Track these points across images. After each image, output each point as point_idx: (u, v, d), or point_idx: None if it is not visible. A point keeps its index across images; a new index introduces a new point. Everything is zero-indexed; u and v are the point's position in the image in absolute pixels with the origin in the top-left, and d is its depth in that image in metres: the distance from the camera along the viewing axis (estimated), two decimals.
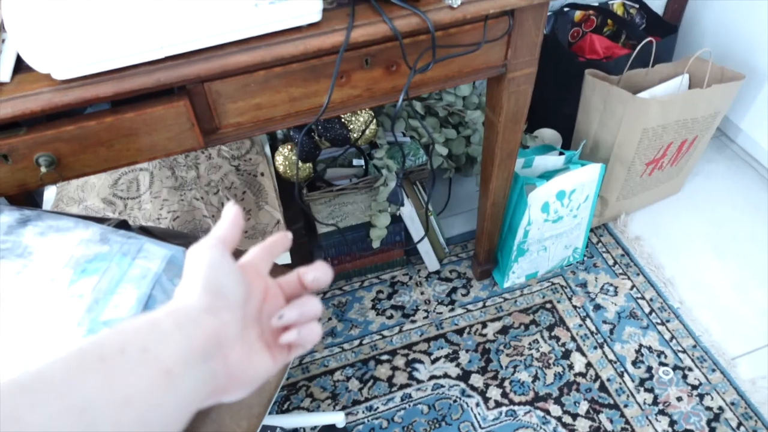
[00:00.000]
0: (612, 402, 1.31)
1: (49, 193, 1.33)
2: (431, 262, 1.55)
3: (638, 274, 1.54)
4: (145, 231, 0.91)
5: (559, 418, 1.28)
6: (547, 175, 1.35)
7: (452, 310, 1.49)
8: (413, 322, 1.47)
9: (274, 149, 1.44)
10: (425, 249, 1.52)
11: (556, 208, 1.35)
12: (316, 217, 1.43)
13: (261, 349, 0.39)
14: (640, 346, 1.40)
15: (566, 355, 1.39)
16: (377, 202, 1.41)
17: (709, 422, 1.27)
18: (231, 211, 0.41)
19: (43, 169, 0.80)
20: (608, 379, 1.34)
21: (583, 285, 1.53)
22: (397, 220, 1.43)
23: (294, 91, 0.88)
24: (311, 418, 1.30)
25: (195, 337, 0.34)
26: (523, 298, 1.51)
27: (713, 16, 1.78)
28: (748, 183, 1.76)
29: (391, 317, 1.48)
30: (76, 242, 0.72)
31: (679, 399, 1.31)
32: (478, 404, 1.31)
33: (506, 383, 1.35)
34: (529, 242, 1.41)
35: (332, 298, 1.53)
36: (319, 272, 0.42)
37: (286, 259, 1.35)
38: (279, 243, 0.44)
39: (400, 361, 1.39)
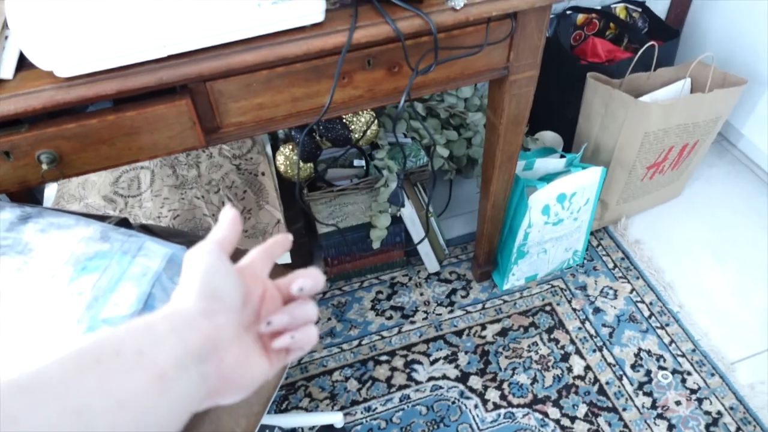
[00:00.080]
0: (611, 405, 1.31)
1: (50, 191, 1.33)
2: (431, 264, 1.56)
3: (638, 278, 1.54)
4: (146, 229, 0.91)
5: (557, 421, 1.28)
6: (548, 178, 1.35)
7: (452, 311, 1.49)
8: (412, 323, 1.47)
9: (275, 149, 1.44)
10: (425, 250, 1.52)
11: (556, 210, 1.35)
12: (316, 217, 1.43)
13: (258, 352, 0.39)
14: (640, 349, 1.40)
15: (565, 357, 1.39)
16: (378, 203, 1.41)
17: (707, 427, 1.27)
18: (229, 214, 0.41)
19: (44, 167, 0.80)
20: (607, 383, 1.34)
21: (583, 288, 1.53)
22: (397, 221, 1.43)
23: (296, 91, 0.88)
24: (310, 418, 1.30)
25: (190, 340, 0.34)
26: (522, 300, 1.51)
27: (716, 21, 1.78)
28: (749, 188, 1.76)
29: (390, 318, 1.48)
30: (77, 240, 0.72)
31: (678, 403, 1.31)
32: (476, 406, 1.31)
33: (505, 385, 1.35)
34: (529, 245, 1.41)
35: (332, 298, 1.54)
36: (308, 281, 0.41)
37: (286, 259, 1.35)
38: (279, 244, 0.44)
39: (399, 362, 1.39)
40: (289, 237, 0.44)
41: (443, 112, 1.54)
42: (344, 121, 1.39)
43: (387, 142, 1.46)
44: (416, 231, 1.46)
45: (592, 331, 1.44)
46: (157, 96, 0.80)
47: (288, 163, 1.40)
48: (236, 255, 0.39)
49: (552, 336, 1.43)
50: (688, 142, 1.49)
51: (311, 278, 0.41)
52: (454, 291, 1.54)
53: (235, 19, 0.75)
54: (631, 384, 1.34)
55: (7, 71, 0.75)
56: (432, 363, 1.39)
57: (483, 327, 1.46)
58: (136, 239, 0.75)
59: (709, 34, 1.81)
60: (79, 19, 0.69)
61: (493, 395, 1.33)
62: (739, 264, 1.56)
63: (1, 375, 0.27)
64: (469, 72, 0.97)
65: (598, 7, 1.71)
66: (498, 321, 1.47)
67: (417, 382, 1.36)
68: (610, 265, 1.58)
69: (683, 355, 1.38)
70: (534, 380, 1.35)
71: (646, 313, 1.47)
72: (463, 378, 1.36)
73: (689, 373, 1.35)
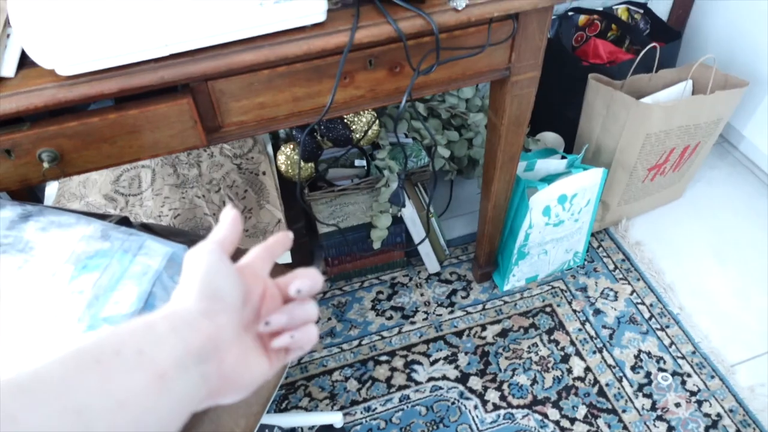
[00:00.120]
0: (610, 407, 1.31)
1: (51, 189, 1.34)
2: (431, 264, 1.55)
3: (638, 279, 1.54)
4: (147, 228, 0.91)
5: (557, 422, 1.28)
6: (549, 179, 1.35)
7: (452, 312, 1.49)
8: (413, 323, 1.47)
9: (276, 148, 1.44)
10: (426, 250, 1.52)
11: (557, 211, 1.35)
12: (317, 217, 1.43)
13: (258, 352, 0.39)
14: (640, 351, 1.40)
15: (565, 359, 1.39)
16: (378, 203, 1.41)
17: (707, 429, 1.27)
18: (230, 215, 0.41)
19: (45, 165, 0.80)
20: (607, 384, 1.34)
21: (583, 289, 1.53)
22: (398, 221, 1.43)
23: (297, 91, 0.88)
24: (309, 417, 1.30)
25: (190, 340, 0.34)
26: (523, 301, 1.51)
27: (717, 23, 1.77)
28: (750, 190, 1.75)
29: (390, 318, 1.48)
30: (78, 238, 0.72)
31: (678, 405, 1.30)
32: (476, 407, 1.31)
33: (505, 386, 1.35)
34: (530, 245, 1.41)
35: (332, 298, 1.54)
36: (305, 282, 0.40)
37: (286, 258, 1.35)
38: (280, 243, 0.44)
39: (399, 363, 1.39)
40: (290, 235, 0.44)
41: (444, 113, 1.54)
42: (345, 121, 1.39)
43: (388, 142, 1.46)
44: (417, 231, 1.46)
45: (593, 333, 1.44)
46: (159, 95, 0.81)
47: (289, 162, 1.40)
48: (237, 255, 0.39)
49: (552, 337, 1.43)
50: (690, 143, 1.49)
51: (309, 279, 0.41)
52: (454, 291, 1.54)
53: (237, 18, 0.75)
54: (631, 386, 1.34)
55: (9, 69, 0.75)
56: (432, 363, 1.39)
57: (483, 328, 1.46)
58: (136, 238, 0.75)
59: (711, 35, 1.81)
60: (81, 17, 0.69)
61: (492, 396, 1.33)
62: (740, 266, 1.56)
63: (1, 374, 0.27)
64: (471, 73, 0.97)
65: (600, 9, 1.71)
66: (498, 322, 1.47)
67: (417, 383, 1.36)
68: (611, 267, 1.58)
69: (683, 357, 1.38)
70: (534, 381, 1.35)
71: (647, 315, 1.47)
72: (463, 379, 1.36)
73: (689, 375, 1.35)
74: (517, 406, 1.31)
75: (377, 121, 1.42)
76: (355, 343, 1.44)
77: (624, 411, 1.30)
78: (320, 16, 0.80)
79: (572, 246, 1.49)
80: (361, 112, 1.40)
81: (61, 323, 0.65)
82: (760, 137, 1.74)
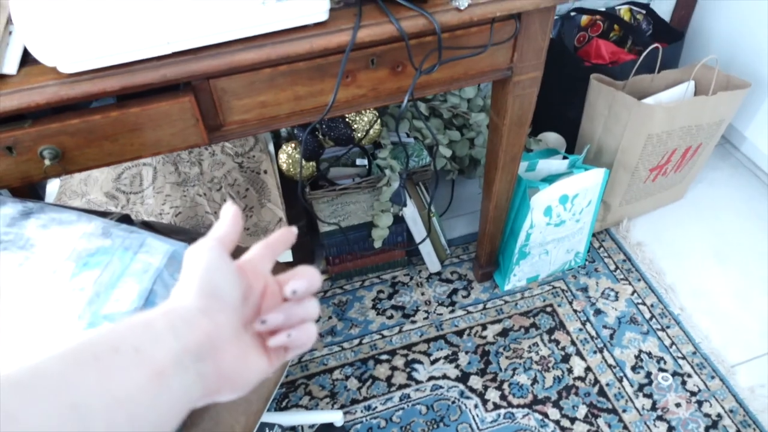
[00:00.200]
0: (610, 407, 1.31)
1: (52, 186, 1.34)
2: (432, 263, 1.55)
3: (639, 280, 1.54)
4: (148, 226, 0.91)
5: (557, 422, 1.28)
6: (551, 179, 1.35)
7: (452, 311, 1.49)
8: (413, 322, 1.47)
9: (277, 147, 1.44)
10: (427, 250, 1.52)
11: (558, 212, 1.35)
12: (318, 215, 1.43)
13: (257, 350, 0.39)
14: (640, 351, 1.40)
15: (566, 358, 1.39)
16: (380, 202, 1.41)
17: (707, 429, 1.27)
18: (230, 211, 0.40)
19: (47, 162, 0.80)
20: (607, 384, 1.34)
21: (584, 289, 1.53)
22: (399, 220, 1.43)
23: (299, 90, 0.88)
24: (309, 416, 1.30)
25: (188, 338, 0.34)
26: (523, 301, 1.51)
27: (720, 24, 1.77)
28: (752, 191, 1.75)
29: (391, 317, 1.48)
30: (79, 235, 0.72)
31: (678, 405, 1.30)
32: (476, 406, 1.31)
33: (505, 386, 1.35)
34: (531, 245, 1.41)
35: (333, 297, 1.54)
36: (301, 283, 0.40)
37: (287, 257, 1.35)
38: (282, 238, 0.43)
39: (399, 361, 1.39)
40: (294, 230, 0.43)
41: (446, 112, 1.54)
42: (347, 120, 1.39)
43: (390, 142, 1.46)
44: (418, 231, 1.46)
45: (593, 333, 1.44)
46: (161, 93, 0.81)
47: (290, 161, 1.40)
48: (237, 252, 0.39)
49: (553, 337, 1.43)
50: (692, 144, 1.49)
51: (306, 280, 0.40)
52: (455, 291, 1.54)
53: (239, 17, 0.75)
54: (632, 385, 1.34)
55: (11, 66, 0.75)
56: (432, 362, 1.39)
57: (484, 327, 1.46)
58: (137, 236, 0.75)
59: (714, 36, 1.80)
60: (83, 15, 0.69)
61: (493, 395, 1.33)
62: (741, 267, 1.56)
63: (1, 371, 0.27)
64: (473, 72, 0.97)
65: (603, 9, 1.70)
66: (499, 321, 1.47)
67: (417, 382, 1.36)
68: (612, 267, 1.58)
69: (684, 358, 1.38)
70: (534, 381, 1.35)
71: (647, 315, 1.47)
72: (464, 378, 1.36)
73: (689, 376, 1.35)
74: (518, 406, 1.31)
75: (379, 121, 1.42)
76: (356, 341, 1.44)
77: (624, 411, 1.30)
78: (322, 15, 0.80)
79: (573, 246, 1.49)
80: (363, 112, 1.40)
81: (62, 320, 0.65)
82: (761, 138, 1.74)
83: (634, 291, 1.52)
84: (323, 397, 1.34)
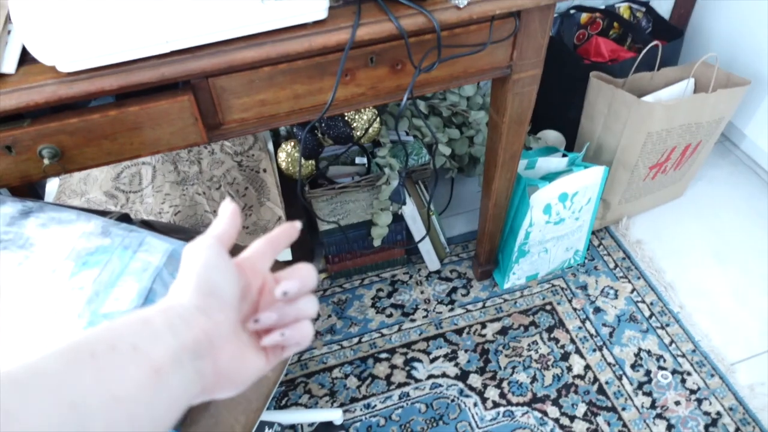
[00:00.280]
0: (610, 405, 1.31)
1: (52, 185, 1.34)
2: (432, 262, 1.56)
3: (639, 278, 1.54)
4: (147, 225, 0.91)
5: (556, 420, 1.28)
6: (550, 177, 1.35)
7: (452, 309, 1.49)
8: (413, 321, 1.47)
9: (277, 146, 1.44)
10: (426, 248, 1.52)
11: (558, 210, 1.35)
12: (317, 214, 1.43)
13: (254, 348, 0.39)
14: (640, 349, 1.40)
15: (565, 357, 1.39)
16: (379, 201, 1.41)
17: (706, 427, 1.27)
18: (229, 208, 0.40)
19: (46, 161, 0.80)
20: (607, 382, 1.34)
21: (584, 287, 1.53)
22: (398, 218, 1.43)
23: (298, 88, 0.88)
24: (309, 414, 1.30)
25: (186, 336, 0.34)
26: (523, 299, 1.51)
27: (719, 21, 1.77)
28: (751, 189, 1.75)
29: (390, 316, 1.48)
30: (78, 234, 0.72)
31: (677, 403, 1.31)
32: (475, 404, 1.31)
33: (504, 384, 1.35)
34: (531, 244, 1.41)
35: (332, 295, 1.54)
36: (293, 284, 0.39)
37: (287, 255, 1.35)
38: (285, 234, 0.43)
39: (398, 360, 1.40)
40: (297, 225, 0.43)
41: (446, 111, 1.54)
42: (346, 118, 1.39)
43: (389, 140, 1.46)
44: (417, 229, 1.46)
45: (593, 331, 1.44)
46: (160, 92, 0.80)
47: (290, 160, 1.40)
48: (235, 251, 0.38)
49: (552, 335, 1.43)
50: (691, 142, 1.49)
51: (298, 280, 0.39)
52: (454, 289, 1.54)
53: (238, 15, 0.75)
54: (631, 384, 1.34)
55: (10, 66, 0.75)
56: (432, 361, 1.39)
57: (483, 325, 1.46)
58: (136, 234, 0.75)
59: (713, 34, 1.80)
60: (81, 14, 0.69)
61: (492, 394, 1.33)
62: (741, 265, 1.56)
63: (1, 369, 0.27)
64: (472, 70, 0.97)
65: (602, 7, 1.70)
66: (498, 320, 1.47)
67: (416, 380, 1.36)
68: (611, 265, 1.58)
69: (683, 356, 1.38)
70: (533, 379, 1.35)
71: (647, 313, 1.47)
72: (463, 376, 1.36)
73: (689, 374, 1.35)
74: (517, 404, 1.31)
75: (378, 119, 1.42)
76: (355, 340, 1.44)
77: (624, 409, 1.30)
78: (322, 14, 0.79)
79: (573, 244, 1.49)
80: (362, 110, 1.39)
81: (61, 319, 0.65)
82: (761, 136, 1.74)
83: (634, 289, 1.52)
84: (323, 396, 1.34)
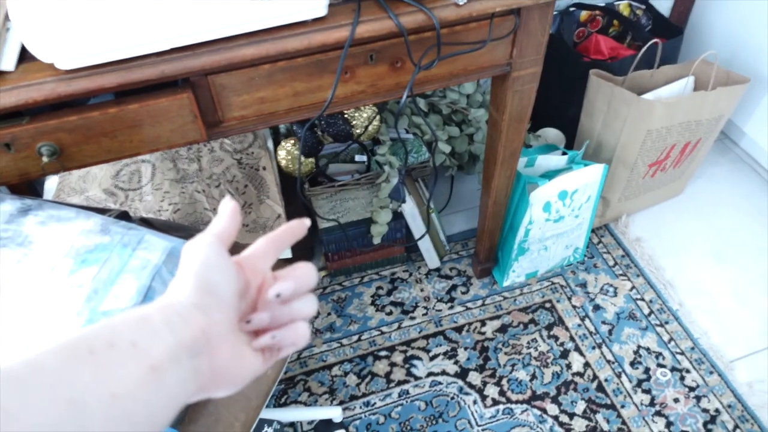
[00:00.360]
0: (609, 402, 1.31)
1: (51, 183, 1.33)
2: (431, 260, 1.56)
3: (638, 276, 1.54)
4: (146, 222, 0.91)
5: (555, 417, 1.29)
6: (550, 175, 1.35)
7: (452, 307, 1.49)
8: (412, 318, 1.47)
9: (276, 143, 1.44)
10: (426, 246, 1.52)
11: (557, 207, 1.35)
12: (317, 212, 1.43)
13: (251, 347, 0.38)
14: (639, 347, 1.40)
15: (564, 354, 1.39)
16: (379, 199, 1.41)
17: (705, 424, 1.27)
18: (229, 206, 0.40)
19: (45, 159, 0.80)
20: (606, 380, 1.34)
21: (583, 285, 1.53)
22: (398, 216, 1.43)
23: (298, 86, 0.87)
24: (308, 412, 1.30)
25: (183, 334, 0.34)
26: (522, 297, 1.51)
27: (719, 19, 1.77)
28: (751, 186, 1.75)
29: (390, 313, 1.48)
30: (77, 232, 0.72)
31: (676, 400, 1.31)
32: (475, 402, 1.32)
33: (504, 381, 1.35)
34: (530, 241, 1.41)
35: (332, 293, 1.54)
36: (287, 286, 0.38)
37: (286, 253, 1.35)
38: (291, 231, 0.42)
39: (398, 358, 1.40)
40: (306, 222, 0.42)
41: (445, 108, 1.54)
42: (346, 116, 1.39)
43: (389, 138, 1.46)
44: (417, 227, 1.46)
45: (592, 328, 1.44)
46: (159, 89, 0.80)
47: (289, 157, 1.39)
48: (235, 249, 0.38)
49: (551, 333, 1.43)
50: (691, 140, 1.49)
51: (293, 281, 0.39)
52: (454, 287, 1.54)
53: (238, 12, 0.75)
54: (630, 381, 1.34)
55: (9, 63, 0.74)
56: (431, 359, 1.39)
57: (483, 323, 1.46)
58: (136, 232, 0.75)
59: (713, 32, 1.80)
60: (80, 11, 0.69)
61: (492, 391, 1.33)
62: (740, 263, 1.56)
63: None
64: (472, 68, 0.97)
65: (602, 4, 1.70)
66: (498, 317, 1.47)
67: (416, 378, 1.36)
68: (611, 263, 1.58)
69: (682, 353, 1.38)
70: (533, 377, 1.35)
71: (646, 311, 1.47)
72: (462, 374, 1.36)
73: (688, 371, 1.35)
74: (516, 402, 1.31)
75: (378, 117, 1.41)
76: (355, 338, 1.44)
77: (623, 406, 1.30)
78: (321, 11, 0.79)
79: (572, 242, 1.49)
80: (362, 108, 1.39)
81: (61, 317, 0.65)
82: (761, 134, 1.74)
83: (633, 287, 1.52)
84: (322, 394, 1.34)
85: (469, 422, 1.28)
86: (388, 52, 0.88)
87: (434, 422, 1.29)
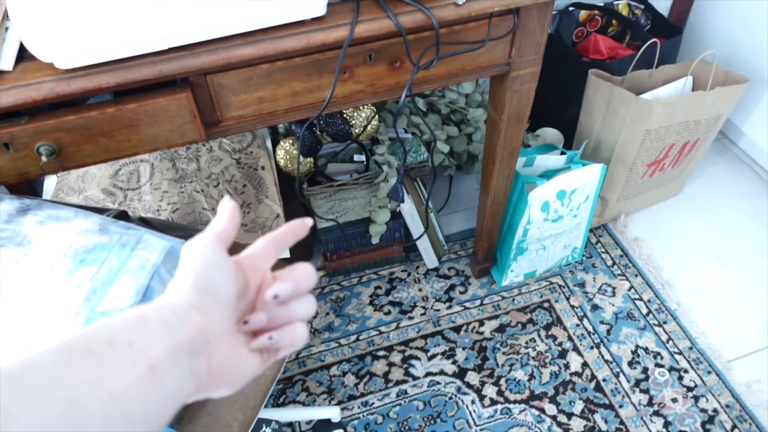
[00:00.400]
0: (607, 402, 1.31)
1: (50, 183, 1.33)
2: (430, 259, 1.56)
3: (636, 275, 1.55)
4: (145, 222, 0.91)
5: (554, 417, 1.29)
6: (548, 175, 1.35)
7: (450, 307, 1.49)
8: (411, 318, 1.47)
9: (275, 143, 1.43)
10: (424, 246, 1.52)
11: (556, 207, 1.35)
12: (316, 211, 1.43)
13: (249, 347, 0.39)
14: (637, 347, 1.40)
15: (563, 354, 1.39)
16: (377, 198, 1.41)
17: (703, 424, 1.27)
18: (228, 206, 0.40)
19: (43, 159, 0.80)
20: (604, 380, 1.35)
21: (581, 285, 1.53)
22: (396, 216, 1.43)
23: (296, 86, 0.87)
24: (307, 412, 1.30)
25: (181, 334, 0.34)
26: (521, 296, 1.51)
27: (718, 19, 1.77)
28: (750, 186, 1.76)
29: (388, 313, 1.49)
30: (76, 232, 0.72)
31: (674, 400, 1.31)
32: (473, 402, 1.32)
33: (502, 381, 1.35)
34: (529, 241, 1.41)
35: (330, 293, 1.54)
36: (285, 287, 0.38)
37: (285, 253, 1.35)
38: (293, 231, 0.42)
39: (396, 358, 1.40)
40: (308, 222, 0.42)
41: (444, 108, 1.54)
42: (345, 116, 1.39)
43: (387, 138, 1.46)
44: (415, 227, 1.46)
45: (590, 328, 1.44)
46: (158, 89, 0.80)
47: (288, 157, 1.39)
48: (234, 249, 0.38)
49: (550, 333, 1.43)
50: (689, 140, 1.49)
51: (291, 282, 0.39)
52: (452, 287, 1.54)
53: (236, 12, 0.75)
54: (628, 381, 1.34)
55: (8, 63, 0.74)
56: (429, 358, 1.39)
57: (481, 323, 1.46)
58: (134, 232, 0.75)
59: (712, 32, 1.80)
60: (79, 10, 0.69)
61: (490, 391, 1.33)
62: (738, 263, 1.56)
63: None
64: (471, 68, 0.97)
65: (601, 4, 1.70)
66: (496, 317, 1.47)
67: (414, 378, 1.36)
68: (609, 263, 1.58)
69: (680, 353, 1.39)
70: (531, 376, 1.35)
71: (644, 311, 1.47)
72: (461, 374, 1.36)
73: (686, 371, 1.35)
74: (515, 401, 1.32)
75: (376, 116, 1.41)
76: (353, 338, 1.44)
77: (621, 406, 1.30)
78: (320, 10, 0.79)
79: (571, 242, 1.49)
80: (361, 107, 1.39)
81: (59, 317, 0.65)
82: (759, 134, 1.74)
83: (631, 286, 1.52)
84: (320, 393, 1.34)
85: (467, 422, 1.28)
86: (386, 52, 0.88)
87: (432, 422, 1.29)
